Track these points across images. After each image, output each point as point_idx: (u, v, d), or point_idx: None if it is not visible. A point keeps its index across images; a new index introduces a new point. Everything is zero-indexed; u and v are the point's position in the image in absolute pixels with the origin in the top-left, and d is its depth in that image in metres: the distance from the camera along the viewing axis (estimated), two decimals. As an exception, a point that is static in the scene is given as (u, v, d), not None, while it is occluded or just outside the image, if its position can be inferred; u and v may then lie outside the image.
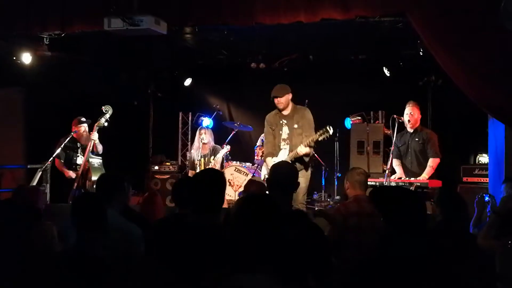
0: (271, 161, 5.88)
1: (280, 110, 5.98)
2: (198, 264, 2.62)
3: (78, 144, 6.82)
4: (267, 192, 3.87)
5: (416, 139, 6.25)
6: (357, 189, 4.08)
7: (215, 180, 2.95)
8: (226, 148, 7.73)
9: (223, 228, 2.92)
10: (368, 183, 6.25)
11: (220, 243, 2.69)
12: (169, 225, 2.92)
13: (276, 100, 5.91)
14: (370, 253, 3.11)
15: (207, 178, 2.98)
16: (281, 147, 6.01)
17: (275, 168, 3.69)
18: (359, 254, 3.56)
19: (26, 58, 6.99)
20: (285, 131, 6.01)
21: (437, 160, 6.09)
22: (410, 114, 6.22)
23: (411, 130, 6.29)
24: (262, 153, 6.97)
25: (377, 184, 6.12)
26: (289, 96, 5.93)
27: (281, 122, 6.01)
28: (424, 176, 5.97)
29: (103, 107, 6.61)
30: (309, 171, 5.92)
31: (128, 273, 2.72)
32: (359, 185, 4.09)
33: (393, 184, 5.99)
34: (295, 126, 5.92)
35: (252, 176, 6.98)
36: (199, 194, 2.88)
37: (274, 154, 6.01)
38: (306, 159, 5.82)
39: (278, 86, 5.98)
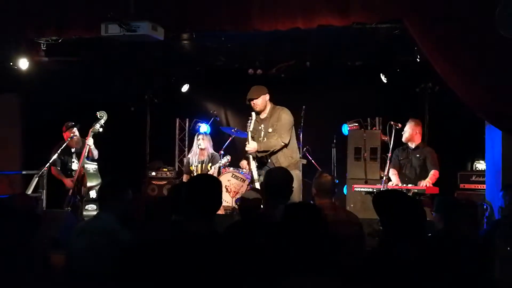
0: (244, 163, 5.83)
1: (258, 113, 5.75)
2: (198, 274, 2.61)
3: (72, 150, 6.79)
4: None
5: (417, 155, 6.35)
6: (323, 197, 3.89)
7: (209, 184, 2.91)
8: (226, 159, 7.66)
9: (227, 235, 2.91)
10: (365, 189, 6.38)
11: (219, 250, 2.68)
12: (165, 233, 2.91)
13: (252, 103, 5.70)
14: None
15: (201, 183, 2.94)
16: None
17: (270, 173, 3.68)
18: None
19: (23, 63, 6.98)
20: (263, 137, 5.75)
21: (437, 173, 6.15)
22: (406, 131, 6.34)
23: (412, 146, 6.39)
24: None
25: (374, 190, 6.13)
26: (266, 96, 5.72)
27: (259, 127, 5.76)
28: (428, 180, 6.01)
29: (97, 112, 6.58)
30: (298, 173, 5.74)
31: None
32: (325, 193, 3.90)
33: (390, 190, 6.00)
34: (269, 130, 5.67)
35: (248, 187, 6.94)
36: (193, 199, 2.84)
37: (247, 158, 5.82)
38: (260, 154, 5.57)
39: (253, 87, 5.79)
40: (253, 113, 5.64)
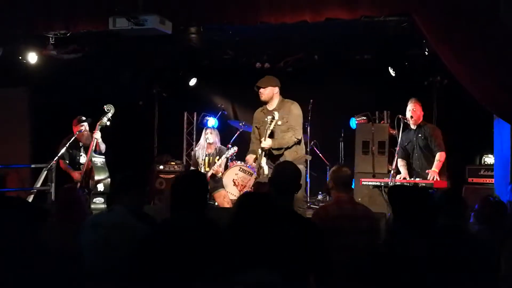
0: (251, 159, 5.75)
1: (264, 103, 5.71)
2: (186, 264, 2.64)
3: (80, 144, 6.82)
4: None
5: (420, 135, 6.16)
6: (341, 191, 3.83)
7: (193, 180, 2.97)
8: (233, 149, 7.65)
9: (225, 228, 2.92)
10: (373, 183, 6.35)
11: (206, 242, 2.71)
12: (165, 226, 2.96)
13: (259, 92, 5.66)
14: (352, 256, 3.08)
15: (184, 179, 3.02)
16: None
17: (278, 168, 3.67)
18: (341, 257, 3.42)
19: (32, 58, 7.01)
20: (271, 129, 5.59)
21: (444, 154, 5.97)
22: (412, 111, 6.09)
23: (414, 127, 6.19)
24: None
25: (382, 184, 6.11)
26: (274, 89, 5.65)
27: (265, 119, 5.64)
28: (435, 169, 5.83)
29: (105, 106, 6.58)
30: (302, 167, 5.60)
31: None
32: (344, 186, 3.84)
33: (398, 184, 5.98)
34: (279, 122, 5.55)
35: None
36: (178, 195, 2.93)
37: (256, 152, 5.74)
38: (276, 152, 5.52)
39: (266, 76, 5.74)
40: (276, 113, 5.48)
